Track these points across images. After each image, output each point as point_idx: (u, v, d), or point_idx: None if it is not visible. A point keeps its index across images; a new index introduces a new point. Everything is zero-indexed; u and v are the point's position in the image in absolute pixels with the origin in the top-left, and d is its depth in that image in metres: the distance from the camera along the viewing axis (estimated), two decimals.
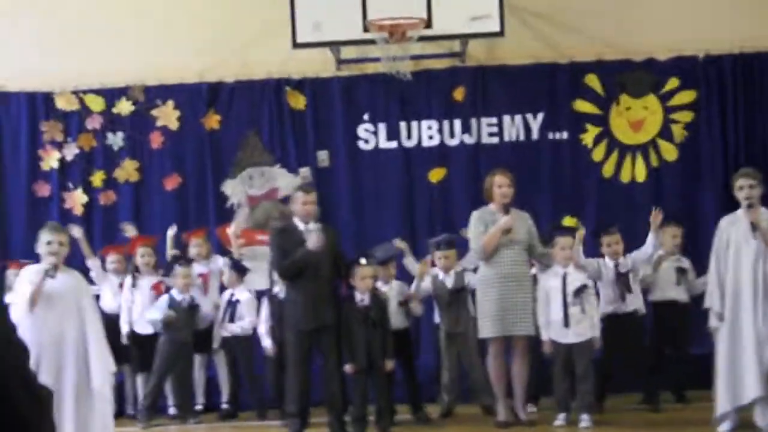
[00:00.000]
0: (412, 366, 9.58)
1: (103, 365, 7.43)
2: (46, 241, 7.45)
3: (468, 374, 9.65)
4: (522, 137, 11.58)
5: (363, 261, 8.87)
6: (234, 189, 11.78)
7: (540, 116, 11.56)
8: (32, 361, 6.54)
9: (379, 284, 9.33)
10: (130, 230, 10.88)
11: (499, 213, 8.93)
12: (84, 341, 7.34)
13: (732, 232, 8.15)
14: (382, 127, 11.72)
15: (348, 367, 8.68)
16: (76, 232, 10.31)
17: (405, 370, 9.47)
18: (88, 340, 7.39)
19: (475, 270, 9.45)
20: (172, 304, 9.85)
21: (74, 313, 7.39)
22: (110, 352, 7.56)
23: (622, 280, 9.39)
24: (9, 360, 2.47)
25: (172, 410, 10.12)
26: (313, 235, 8.68)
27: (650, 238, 9.37)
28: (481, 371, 9.49)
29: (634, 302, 9.48)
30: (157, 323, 9.76)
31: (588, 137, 11.51)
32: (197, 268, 10.42)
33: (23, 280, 7.38)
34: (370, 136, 11.73)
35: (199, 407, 10.23)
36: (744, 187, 8.19)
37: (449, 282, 9.56)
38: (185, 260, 10.20)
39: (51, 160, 11.90)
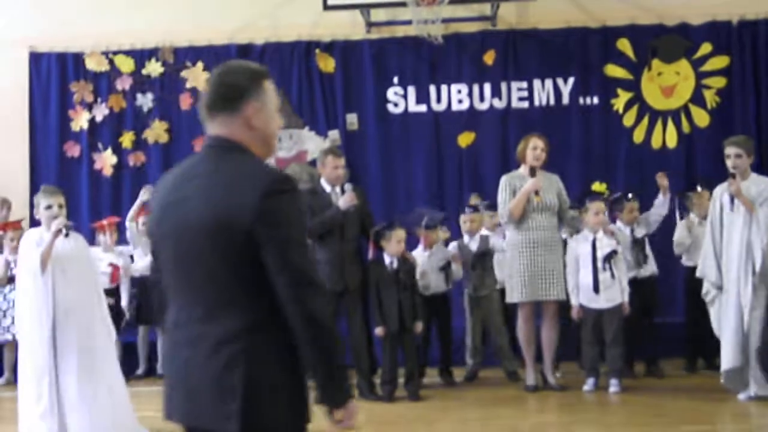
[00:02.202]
0: (448, 330, 9.60)
1: (109, 326, 7.56)
2: (45, 205, 7.40)
3: (492, 338, 9.65)
4: (552, 102, 11.53)
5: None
6: None
7: (571, 81, 11.50)
8: (46, 322, 6.66)
9: (420, 249, 9.44)
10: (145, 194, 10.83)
11: (527, 177, 8.89)
12: (91, 303, 7.42)
13: (725, 200, 8.16)
14: (411, 91, 11.69)
15: (378, 330, 8.69)
16: (145, 194, 10.38)
17: (441, 334, 9.48)
18: (96, 302, 7.49)
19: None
20: None
21: (82, 275, 7.46)
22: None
23: (638, 246, 9.37)
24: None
25: None
26: (346, 195, 8.69)
27: (659, 200, 9.55)
28: (505, 335, 9.51)
29: (650, 267, 9.47)
30: None
31: (619, 102, 11.44)
32: None
33: (28, 243, 7.37)
34: (400, 99, 11.69)
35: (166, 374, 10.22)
36: (730, 156, 8.17)
37: (474, 245, 9.56)
38: None
39: (81, 121, 11.95)
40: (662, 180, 9.63)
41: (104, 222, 10.43)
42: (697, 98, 11.40)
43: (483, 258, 9.56)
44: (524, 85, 11.58)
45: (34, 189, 11.64)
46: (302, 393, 3.14)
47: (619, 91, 11.45)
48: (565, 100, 11.49)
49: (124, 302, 10.28)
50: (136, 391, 9.43)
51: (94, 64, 11.95)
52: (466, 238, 9.67)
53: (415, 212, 9.75)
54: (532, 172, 8.84)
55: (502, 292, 9.44)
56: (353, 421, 3.11)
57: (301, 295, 3.03)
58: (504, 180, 9.00)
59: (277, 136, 3.31)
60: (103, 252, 10.09)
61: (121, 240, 10.64)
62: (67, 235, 7.33)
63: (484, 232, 9.71)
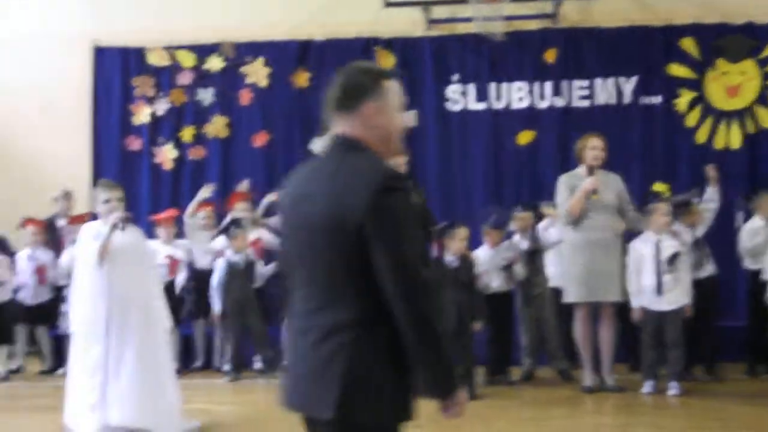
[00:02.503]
0: (509, 329, 9.54)
1: (165, 319, 7.60)
2: (104, 199, 7.48)
3: (545, 337, 9.59)
4: (614, 101, 11.43)
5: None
6: (322, 146, 11.75)
7: (633, 80, 11.39)
8: (102, 314, 6.72)
9: (485, 248, 9.43)
10: (206, 191, 10.90)
11: (586, 176, 8.80)
12: (147, 295, 7.47)
13: None
14: (471, 88, 11.64)
15: None
16: (206, 192, 10.61)
17: (500, 333, 9.41)
18: (153, 294, 7.55)
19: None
20: (229, 268, 9.96)
21: (139, 267, 7.52)
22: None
23: (699, 246, 9.25)
24: None
25: (258, 365, 10.20)
26: None
27: (709, 192, 9.52)
28: (557, 334, 9.44)
29: (709, 268, 9.37)
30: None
31: (682, 102, 11.30)
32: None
33: (86, 236, 7.45)
34: (459, 97, 11.66)
35: (286, 362, 10.26)
36: None
37: (524, 244, 9.50)
38: (238, 222, 10.25)
39: (142, 115, 12.07)
40: (711, 172, 9.63)
41: (162, 215, 10.51)
42: (763, 98, 11.23)
43: (534, 256, 9.50)
44: (585, 83, 11.49)
45: (95, 182, 11.78)
46: (404, 389, 3.22)
47: (682, 90, 11.31)
48: (627, 99, 11.38)
49: (179, 295, 10.34)
50: (193, 384, 9.55)
51: (156, 59, 12.06)
52: (516, 236, 9.61)
53: (486, 210, 9.69)
54: (590, 171, 8.75)
55: (554, 290, 9.37)
56: (462, 409, 3.22)
57: (409, 293, 3.09)
58: (562, 179, 8.92)
59: (400, 134, 3.36)
60: (161, 245, 10.16)
61: (180, 233, 10.72)
62: (123, 228, 7.39)
63: (542, 227, 9.63)
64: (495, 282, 9.36)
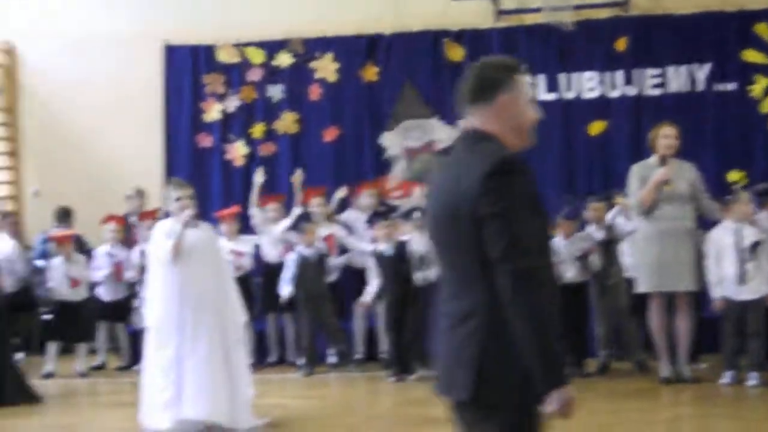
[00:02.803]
0: (584, 321, 9.45)
1: (239, 314, 7.66)
2: (176, 197, 7.58)
3: (621, 329, 9.47)
4: (687, 88, 11.25)
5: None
6: (392, 141, 11.82)
7: (706, 67, 11.20)
8: (176, 311, 6.79)
9: (558, 239, 9.35)
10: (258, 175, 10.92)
11: (658, 166, 8.67)
12: (221, 290, 7.54)
13: None
14: (541, 79, 11.54)
15: None
16: (259, 176, 10.60)
17: (575, 325, 9.31)
18: (226, 290, 7.61)
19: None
20: (301, 261, 9.97)
21: (211, 264, 7.60)
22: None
23: None
24: None
25: (331, 359, 10.22)
26: None
27: None
28: (633, 325, 9.32)
29: None
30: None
31: (757, 88, 11.10)
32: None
33: (159, 234, 7.53)
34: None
35: (359, 356, 10.32)
36: None
37: (599, 234, 9.40)
38: (308, 216, 10.27)
39: (213, 112, 12.17)
40: None
41: (225, 212, 10.57)
42: None
43: (608, 246, 9.39)
44: (657, 71, 11.33)
45: (168, 179, 11.92)
46: None
47: (757, 77, 11.09)
48: (700, 86, 11.20)
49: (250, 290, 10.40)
50: (267, 378, 9.60)
51: (226, 56, 12.15)
52: (591, 227, 9.51)
53: (559, 200, 9.59)
54: (663, 161, 8.62)
55: (630, 281, 9.27)
56: (569, 407, 3.14)
57: (516, 280, 3.08)
58: (634, 169, 8.80)
59: (531, 126, 3.40)
60: (225, 241, 10.23)
61: (244, 230, 10.78)
62: (195, 226, 7.49)
63: (610, 217, 9.52)
64: (569, 273, 9.27)
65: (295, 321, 10.36)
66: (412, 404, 8.36)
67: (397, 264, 9.52)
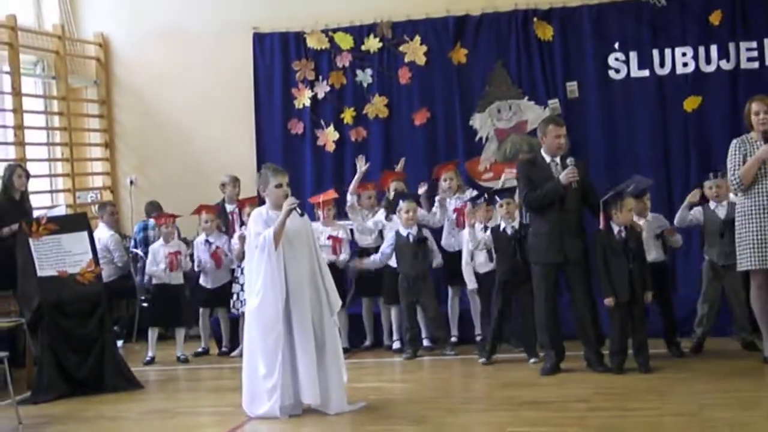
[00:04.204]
0: (669, 300, 9.30)
1: (334, 300, 7.70)
2: (275, 183, 7.63)
3: (731, 308, 9.28)
4: None
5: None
6: (482, 123, 11.75)
7: None
8: (280, 298, 6.80)
9: (634, 217, 9.10)
10: (361, 163, 10.90)
11: (759, 141, 8.45)
12: (317, 276, 7.59)
13: None
14: (633, 56, 11.38)
15: (608, 300, 8.49)
16: (362, 164, 10.58)
17: (661, 304, 9.19)
18: (323, 276, 7.65)
19: None
20: (398, 240, 9.93)
21: (308, 250, 7.64)
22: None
23: None
24: None
25: (426, 342, 10.21)
26: (568, 170, 8.53)
27: None
28: (744, 305, 9.11)
29: None
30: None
31: None
32: (451, 203, 10.42)
33: (256, 220, 7.58)
34: (621, 65, 11.40)
35: (454, 339, 10.29)
36: None
37: (721, 212, 9.18)
38: (409, 195, 10.17)
39: (304, 99, 12.24)
40: None
41: (321, 197, 10.55)
42: None
43: (732, 225, 9.14)
44: (754, 44, 11.06)
45: (260, 167, 12.00)
46: None
47: None
48: None
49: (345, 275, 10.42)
50: (362, 363, 9.64)
51: (315, 42, 12.20)
52: (712, 204, 9.30)
53: (632, 179, 9.38)
54: (766, 137, 8.40)
55: None
56: None
57: None
58: (734, 144, 8.58)
59: None
60: (322, 226, 10.25)
61: (339, 214, 10.81)
62: (302, 214, 7.55)
63: (733, 198, 9.30)
64: (652, 253, 9.06)
65: (389, 305, 10.37)
66: (508, 387, 8.32)
67: (515, 244, 9.35)
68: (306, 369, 7.43)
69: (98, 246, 10.29)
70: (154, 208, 11.91)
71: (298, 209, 7.54)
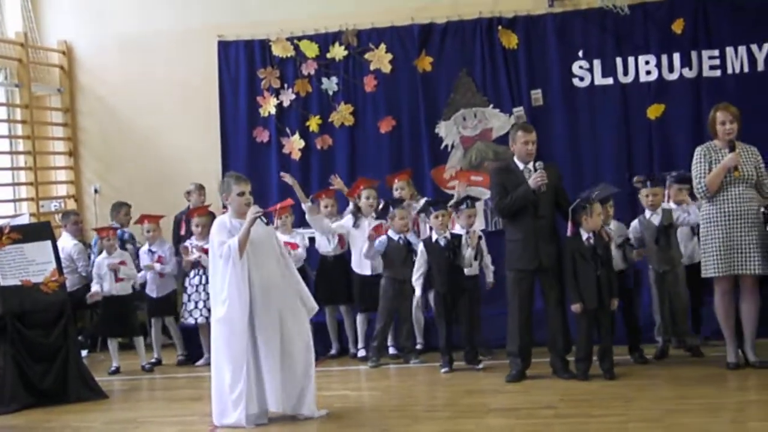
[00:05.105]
0: (632, 307, 9.36)
1: (309, 304, 7.73)
2: (238, 191, 7.62)
3: (674, 313, 9.34)
4: (746, 69, 11.05)
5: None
6: (448, 130, 11.78)
7: (766, 46, 11.00)
8: (246, 306, 6.78)
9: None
10: (337, 183, 10.94)
11: (724, 149, 8.54)
12: (284, 284, 7.59)
13: None
14: (597, 64, 11.44)
15: (575, 307, 8.52)
16: (289, 179, 10.63)
17: (624, 311, 9.24)
18: (293, 282, 7.66)
19: None
20: (389, 244, 9.91)
21: (275, 258, 7.65)
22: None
23: None
24: None
25: (392, 350, 10.22)
26: (536, 174, 8.56)
27: None
28: (685, 310, 9.20)
29: None
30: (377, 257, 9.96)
31: None
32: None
33: (220, 229, 7.55)
34: (585, 73, 11.47)
35: (419, 347, 10.30)
36: None
37: (656, 220, 9.26)
38: (399, 202, 10.19)
39: (269, 107, 12.23)
40: None
41: (277, 206, 10.50)
42: None
43: (667, 232, 9.26)
44: (716, 53, 11.15)
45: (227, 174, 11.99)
46: None
47: None
48: (761, 66, 11.00)
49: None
50: (327, 371, 9.63)
51: (280, 50, 12.19)
52: (648, 213, 9.38)
53: (598, 186, 9.42)
54: (732, 147, 8.48)
55: (687, 267, 9.23)
56: None
57: None
58: (700, 151, 8.66)
59: None
60: (280, 234, 10.22)
61: (301, 222, 10.82)
62: (268, 223, 7.54)
63: (666, 206, 9.39)
64: (614, 261, 9.09)
65: (352, 313, 10.38)
66: (474, 394, 8.34)
67: (449, 255, 9.42)
68: (271, 376, 7.43)
69: (62, 255, 10.23)
70: (116, 207, 11.89)
71: (263, 217, 7.54)
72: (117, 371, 10.43)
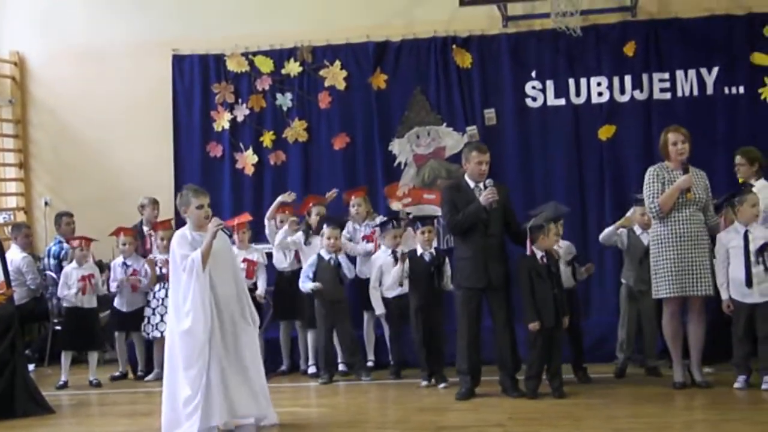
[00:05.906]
0: (578, 326, 9.42)
1: (255, 315, 7.73)
2: (197, 205, 7.58)
3: (643, 333, 9.44)
4: (696, 92, 11.24)
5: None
6: (401, 148, 11.83)
7: (715, 70, 11.20)
8: (208, 320, 6.75)
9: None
10: (288, 197, 10.93)
11: (677, 170, 8.63)
12: (241, 296, 7.61)
13: None
14: (550, 84, 11.56)
15: (533, 326, 8.54)
16: (288, 197, 10.67)
17: (570, 330, 9.27)
18: (242, 295, 7.65)
19: None
20: (320, 264, 9.93)
21: (231, 269, 7.67)
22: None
23: None
24: None
25: (341, 366, 10.22)
26: (486, 191, 8.61)
27: None
28: (655, 331, 9.28)
29: None
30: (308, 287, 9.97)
31: (767, 91, 11.06)
32: (360, 229, 10.52)
33: (180, 243, 7.50)
34: (538, 93, 11.57)
35: (370, 364, 10.31)
36: None
37: (645, 239, 9.30)
38: (333, 221, 10.20)
39: (223, 121, 12.22)
40: None
41: (236, 221, 10.52)
42: None
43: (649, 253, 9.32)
44: (666, 76, 11.33)
45: (178, 189, 11.91)
46: None
47: (767, 79, 11.06)
48: (710, 90, 11.19)
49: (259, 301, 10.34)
50: (278, 387, 9.60)
51: (235, 65, 12.18)
52: (638, 230, 9.45)
53: (545, 206, 9.49)
54: (685, 167, 8.59)
55: None
56: None
57: None
58: (652, 171, 8.73)
59: None
60: (237, 249, 10.20)
61: (261, 238, 10.79)
62: (230, 235, 7.51)
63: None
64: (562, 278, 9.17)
65: (306, 329, 10.37)
66: (424, 411, 8.35)
67: (433, 270, 9.48)
68: (237, 384, 7.41)
69: (10, 268, 10.12)
70: (59, 221, 11.82)
71: (225, 229, 7.54)
72: (65, 386, 10.33)
